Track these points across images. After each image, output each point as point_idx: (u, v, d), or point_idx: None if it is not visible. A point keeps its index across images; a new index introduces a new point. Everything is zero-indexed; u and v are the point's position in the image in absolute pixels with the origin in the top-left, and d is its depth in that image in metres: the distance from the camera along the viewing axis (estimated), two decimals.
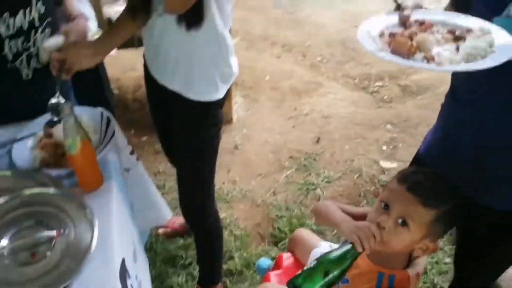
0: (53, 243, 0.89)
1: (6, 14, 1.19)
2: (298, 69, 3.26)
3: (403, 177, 1.00)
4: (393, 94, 2.98)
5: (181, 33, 1.11)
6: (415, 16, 0.97)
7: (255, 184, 2.20)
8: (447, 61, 0.84)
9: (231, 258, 1.82)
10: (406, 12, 0.97)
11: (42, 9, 1.27)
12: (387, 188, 1.03)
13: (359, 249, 0.92)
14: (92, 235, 0.92)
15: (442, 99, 1.16)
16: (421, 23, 0.94)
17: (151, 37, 1.22)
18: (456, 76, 1.09)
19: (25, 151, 1.19)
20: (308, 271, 0.94)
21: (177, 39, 1.15)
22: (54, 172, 1.11)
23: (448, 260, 1.80)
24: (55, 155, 1.17)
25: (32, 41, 1.28)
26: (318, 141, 2.50)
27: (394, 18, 0.99)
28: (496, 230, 1.08)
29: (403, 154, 2.37)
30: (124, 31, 1.27)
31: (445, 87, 1.14)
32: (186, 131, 1.32)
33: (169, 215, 1.69)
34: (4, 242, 0.90)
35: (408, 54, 0.85)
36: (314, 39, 3.64)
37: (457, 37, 0.91)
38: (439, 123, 1.16)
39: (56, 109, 1.19)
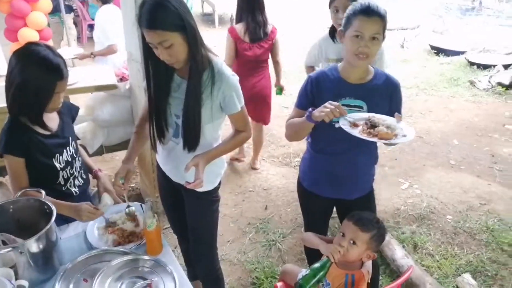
0: None
1: (57, 155, 1.71)
2: None
3: (350, 217, 1.73)
4: None
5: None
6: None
7: (227, 249, 2.75)
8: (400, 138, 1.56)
9: None
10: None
11: (74, 145, 1.81)
12: (342, 224, 1.75)
13: (332, 260, 1.61)
14: (175, 283, 1.43)
15: None
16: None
17: (168, 156, 1.76)
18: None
19: (94, 236, 1.67)
20: (305, 276, 1.60)
21: (187, 156, 1.63)
22: (127, 246, 1.61)
23: (379, 278, 2.53)
24: (122, 236, 1.68)
25: (74, 167, 1.79)
26: (266, 208, 3.20)
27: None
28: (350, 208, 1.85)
29: None
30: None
31: None
32: (200, 211, 1.85)
33: None
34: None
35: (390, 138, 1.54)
36: None
37: (373, 125, 1.59)
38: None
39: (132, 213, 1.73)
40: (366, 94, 1.74)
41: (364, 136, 1.56)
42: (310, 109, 1.63)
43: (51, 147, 1.68)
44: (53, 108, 1.62)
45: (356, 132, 1.57)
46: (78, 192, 1.81)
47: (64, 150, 1.73)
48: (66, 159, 1.74)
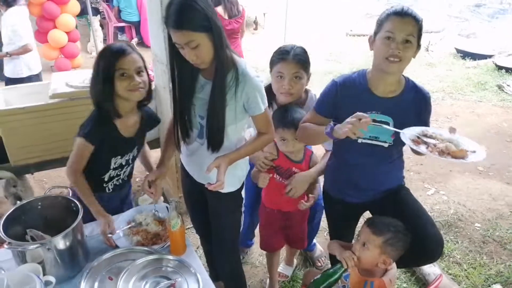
0: None
1: (118, 156, 1.77)
2: None
3: (366, 220, 1.71)
4: None
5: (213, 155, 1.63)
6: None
7: (249, 251, 2.73)
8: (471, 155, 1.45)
9: None
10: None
11: (135, 152, 1.86)
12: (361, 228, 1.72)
13: (345, 266, 1.60)
14: (199, 284, 1.42)
15: None
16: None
17: (192, 156, 1.77)
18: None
19: (119, 236, 1.67)
20: (316, 280, 1.63)
21: (211, 157, 1.63)
22: (153, 247, 1.61)
23: (405, 285, 2.47)
24: (146, 238, 1.68)
25: (123, 171, 1.85)
26: None
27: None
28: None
29: None
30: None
31: None
32: (222, 212, 1.84)
33: None
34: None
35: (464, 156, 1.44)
36: None
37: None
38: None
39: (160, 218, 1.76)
40: (394, 109, 1.62)
41: (436, 155, 1.45)
42: (331, 124, 1.56)
43: (118, 148, 1.76)
44: (128, 89, 1.61)
45: (424, 150, 1.48)
46: (111, 189, 1.86)
47: (125, 155, 1.80)
48: (121, 163, 1.80)
